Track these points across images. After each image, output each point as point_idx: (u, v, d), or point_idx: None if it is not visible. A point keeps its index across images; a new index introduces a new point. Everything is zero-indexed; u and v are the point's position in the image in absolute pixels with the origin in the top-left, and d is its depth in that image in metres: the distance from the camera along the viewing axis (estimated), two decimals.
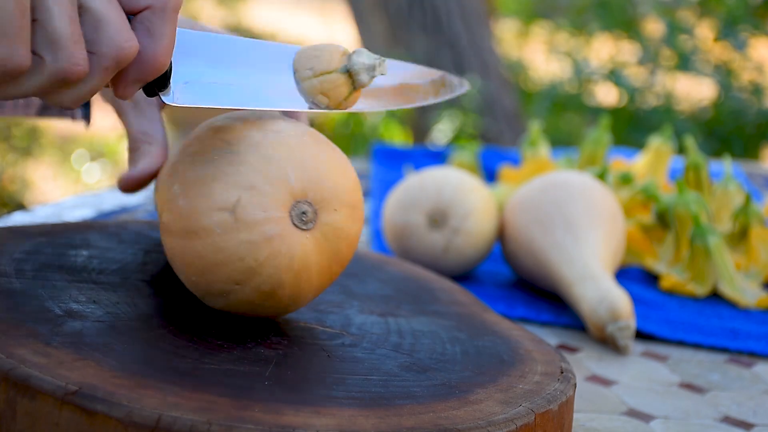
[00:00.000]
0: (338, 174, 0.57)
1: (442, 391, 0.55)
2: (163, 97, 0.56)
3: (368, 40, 3.24)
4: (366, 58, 0.58)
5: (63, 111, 0.78)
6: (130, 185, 0.66)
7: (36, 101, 0.78)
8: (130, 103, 0.68)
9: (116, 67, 0.52)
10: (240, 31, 5.20)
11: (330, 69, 0.58)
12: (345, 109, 0.60)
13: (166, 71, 0.56)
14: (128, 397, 0.48)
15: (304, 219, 0.56)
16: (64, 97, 0.52)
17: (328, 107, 0.59)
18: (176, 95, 0.56)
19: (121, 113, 0.69)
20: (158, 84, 0.56)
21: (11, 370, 0.49)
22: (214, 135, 0.58)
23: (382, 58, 0.58)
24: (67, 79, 0.51)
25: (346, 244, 0.58)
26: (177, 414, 0.47)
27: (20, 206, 3.33)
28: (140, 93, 0.67)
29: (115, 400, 0.47)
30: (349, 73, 0.59)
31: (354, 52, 0.58)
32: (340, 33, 4.74)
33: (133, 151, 0.68)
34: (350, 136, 3.05)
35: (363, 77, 0.58)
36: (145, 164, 0.66)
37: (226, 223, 0.55)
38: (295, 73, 0.59)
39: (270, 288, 0.56)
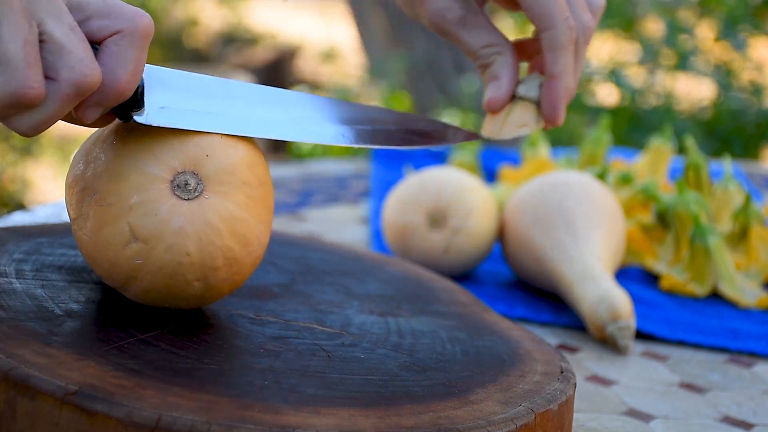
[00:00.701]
0: (228, 149, 0.57)
1: (441, 391, 0.55)
2: (135, 116, 0.56)
3: (368, 40, 3.24)
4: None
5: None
6: (499, 103, 0.65)
7: None
8: (458, 23, 0.66)
9: (77, 96, 0.51)
10: (240, 30, 5.20)
11: None
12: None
13: (138, 94, 0.55)
14: (128, 397, 0.48)
15: (188, 189, 0.56)
16: (21, 122, 0.51)
17: None
18: (149, 116, 0.56)
19: (452, 37, 0.67)
20: (130, 106, 0.55)
21: (11, 370, 0.49)
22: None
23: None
24: (19, 102, 0.49)
25: (236, 214, 0.57)
26: (177, 414, 0.47)
27: (20, 206, 3.33)
28: (467, 8, 0.66)
29: (115, 400, 0.47)
30: None
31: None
32: (340, 33, 4.74)
33: (487, 67, 0.66)
34: None
35: None
36: (508, 74, 0.65)
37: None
38: None
39: (148, 247, 0.55)
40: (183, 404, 0.48)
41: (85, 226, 0.56)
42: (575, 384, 0.60)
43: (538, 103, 0.68)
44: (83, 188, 0.57)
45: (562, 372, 0.61)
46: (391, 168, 1.24)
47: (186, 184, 0.56)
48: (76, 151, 0.59)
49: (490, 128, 0.67)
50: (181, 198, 0.56)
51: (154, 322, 0.57)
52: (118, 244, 0.55)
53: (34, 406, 0.48)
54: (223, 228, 0.56)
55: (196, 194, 0.56)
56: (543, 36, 0.65)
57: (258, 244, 0.58)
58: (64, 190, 0.59)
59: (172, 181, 0.56)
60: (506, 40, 0.67)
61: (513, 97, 0.68)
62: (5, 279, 0.59)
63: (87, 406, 0.47)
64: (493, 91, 0.65)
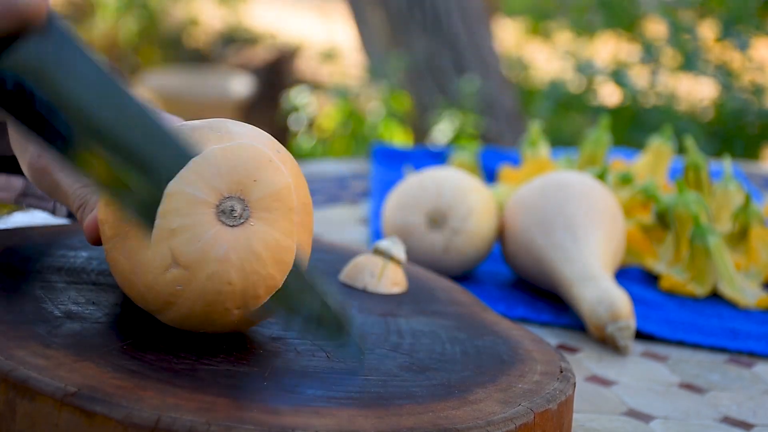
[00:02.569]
0: (276, 173, 0.55)
1: (441, 391, 0.55)
2: None
3: (368, 40, 3.24)
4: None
5: (42, 200, 0.74)
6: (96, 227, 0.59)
7: (16, 184, 0.74)
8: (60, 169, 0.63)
9: None
10: (240, 30, 5.21)
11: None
12: None
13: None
14: (127, 398, 0.48)
15: (234, 215, 0.54)
16: None
17: None
18: None
19: (57, 186, 0.63)
20: None
21: (11, 371, 0.49)
22: None
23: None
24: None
25: (282, 242, 0.55)
26: (176, 415, 0.47)
27: (20, 207, 3.33)
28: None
29: (115, 401, 0.47)
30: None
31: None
32: (340, 33, 4.74)
33: (84, 206, 0.62)
34: (350, 137, 3.06)
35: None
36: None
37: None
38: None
39: (191, 272, 0.53)
40: (182, 405, 0.48)
41: (122, 246, 0.54)
42: (575, 384, 0.60)
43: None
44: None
45: (561, 372, 0.61)
46: (391, 168, 1.24)
47: (232, 210, 0.54)
48: None
49: (364, 280, 0.71)
50: (226, 224, 0.54)
51: (153, 324, 0.57)
52: (158, 268, 0.53)
53: (33, 407, 0.48)
54: (268, 257, 0.54)
55: (242, 221, 0.54)
56: None
57: None
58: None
59: (217, 206, 0.54)
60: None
61: (379, 253, 0.73)
62: (4, 280, 0.59)
63: (86, 407, 0.47)
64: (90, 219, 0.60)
